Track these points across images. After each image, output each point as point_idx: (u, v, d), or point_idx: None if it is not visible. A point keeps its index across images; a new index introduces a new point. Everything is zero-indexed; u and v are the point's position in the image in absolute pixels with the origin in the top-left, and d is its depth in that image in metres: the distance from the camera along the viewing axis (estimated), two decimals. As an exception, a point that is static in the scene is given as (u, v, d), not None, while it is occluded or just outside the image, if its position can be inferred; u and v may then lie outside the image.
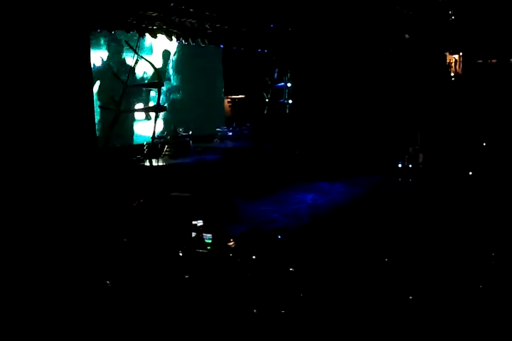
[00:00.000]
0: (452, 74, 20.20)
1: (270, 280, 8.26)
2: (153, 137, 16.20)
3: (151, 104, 16.89)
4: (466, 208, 12.50)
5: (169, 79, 18.89)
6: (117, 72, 15.76)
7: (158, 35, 15.52)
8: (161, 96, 17.06)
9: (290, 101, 20.04)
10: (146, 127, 16.88)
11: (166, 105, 17.10)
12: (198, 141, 16.46)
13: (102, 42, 15.78)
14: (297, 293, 7.78)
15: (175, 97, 18.79)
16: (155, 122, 16.76)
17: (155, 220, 11.71)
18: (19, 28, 10.65)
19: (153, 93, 16.96)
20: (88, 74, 12.51)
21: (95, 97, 14.64)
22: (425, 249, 9.65)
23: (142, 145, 15.15)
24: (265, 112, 19.94)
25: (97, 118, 14.49)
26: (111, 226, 10.66)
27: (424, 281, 8.06)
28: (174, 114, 17.93)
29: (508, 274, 8.16)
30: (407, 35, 18.59)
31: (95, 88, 14.94)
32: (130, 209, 12.34)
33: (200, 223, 10.61)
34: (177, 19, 15.55)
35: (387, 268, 8.82)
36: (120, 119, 15.64)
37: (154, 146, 15.25)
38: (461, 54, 20.33)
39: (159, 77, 16.99)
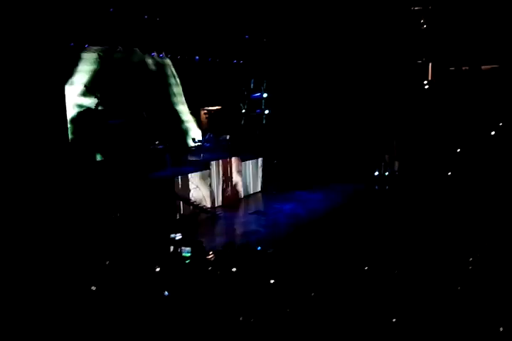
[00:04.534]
0: (426, 81, 20.48)
1: (251, 293, 8.22)
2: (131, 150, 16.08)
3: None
4: (443, 213, 12.64)
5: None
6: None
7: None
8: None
9: (267, 112, 20.10)
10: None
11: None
12: (174, 154, 16.35)
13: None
14: (279, 304, 7.75)
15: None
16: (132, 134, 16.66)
17: (133, 232, 11.62)
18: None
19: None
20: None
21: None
22: (406, 255, 9.71)
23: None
24: (242, 123, 19.97)
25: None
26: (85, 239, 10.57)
27: (410, 290, 8.07)
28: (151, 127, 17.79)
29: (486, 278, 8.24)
30: None
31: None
32: (107, 221, 12.25)
33: (178, 236, 10.52)
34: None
35: (371, 277, 8.83)
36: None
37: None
38: (433, 62, 20.65)
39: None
